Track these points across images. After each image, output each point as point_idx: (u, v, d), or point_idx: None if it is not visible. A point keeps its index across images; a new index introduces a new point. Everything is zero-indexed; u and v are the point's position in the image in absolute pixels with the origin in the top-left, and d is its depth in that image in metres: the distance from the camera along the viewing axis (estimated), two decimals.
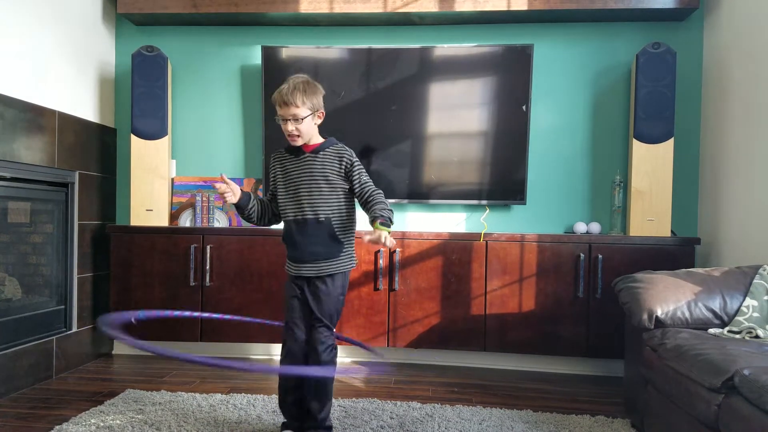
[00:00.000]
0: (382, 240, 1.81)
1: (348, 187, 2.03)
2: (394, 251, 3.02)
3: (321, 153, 2.02)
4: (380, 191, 2.00)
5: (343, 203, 2.03)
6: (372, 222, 1.90)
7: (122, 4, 3.27)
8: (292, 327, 2.05)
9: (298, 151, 2.04)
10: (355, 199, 2.07)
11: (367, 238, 1.83)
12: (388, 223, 1.89)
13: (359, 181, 2.00)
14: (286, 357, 2.06)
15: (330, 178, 2.00)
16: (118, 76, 3.52)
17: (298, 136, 1.97)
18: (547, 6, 3.10)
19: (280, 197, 2.08)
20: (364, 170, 2.03)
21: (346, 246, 2.05)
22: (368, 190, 1.99)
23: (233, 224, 3.41)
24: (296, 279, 2.05)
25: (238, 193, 2.04)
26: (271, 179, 2.12)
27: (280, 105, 1.95)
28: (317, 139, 2.05)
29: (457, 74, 3.25)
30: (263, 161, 3.32)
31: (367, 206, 1.98)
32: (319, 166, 2.01)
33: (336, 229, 2.01)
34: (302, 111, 1.94)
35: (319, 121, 2.04)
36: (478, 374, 3.05)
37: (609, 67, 3.29)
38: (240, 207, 2.08)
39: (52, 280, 3.01)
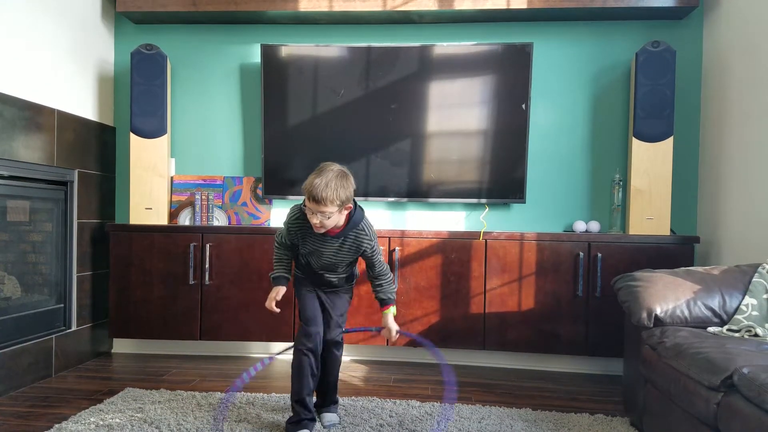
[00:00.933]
0: (391, 330, 2.16)
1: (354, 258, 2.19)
2: (393, 250, 3.02)
3: (343, 238, 2.08)
4: (389, 270, 2.21)
5: (355, 263, 2.24)
6: (381, 304, 2.20)
7: (121, 3, 3.27)
8: (315, 321, 2.17)
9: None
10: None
11: (385, 333, 2.19)
12: (393, 302, 2.19)
13: (374, 264, 2.16)
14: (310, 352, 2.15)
15: (348, 258, 2.14)
16: (117, 74, 3.52)
17: (323, 228, 2.00)
18: (547, 4, 3.09)
19: (301, 248, 2.17)
20: (379, 252, 2.17)
21: (352, 276, 2.29)
22: (380, 271, 2.17)
23: (232, 223, 3.41)
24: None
25: (283, 292, 2.18)
26: (292, 234, 2.14)
27: (310, 199, 1.94)
28: (342, 222, 2.05)
29: (457, 73, 3.25)
30: (262, 160, 3.31)
31: (376, 282, 2.19)
32: (338, 249, 2.10)
33: (349, 276, 2.26)
34: (331, 209, 1.94)
35: (346, 213, 2.03)
36: (478, 373, 3.05)
37: (608, 66, 3.29)
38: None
39: (51, 278, 3.01)
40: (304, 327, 2.13)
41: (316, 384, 2.18)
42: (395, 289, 2.23)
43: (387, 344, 3.05)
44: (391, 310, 2.17)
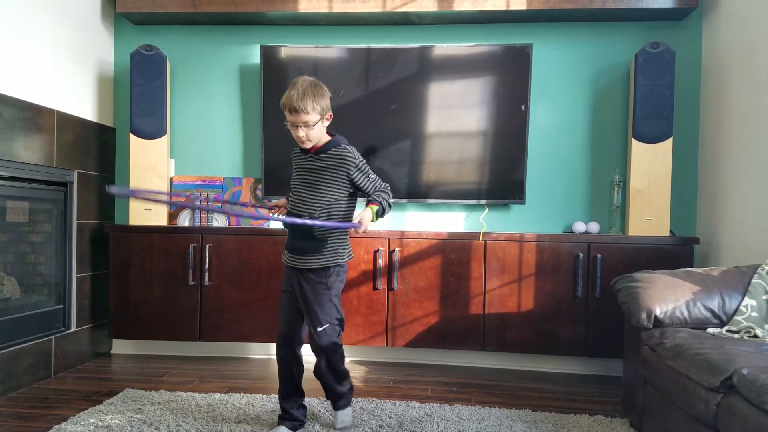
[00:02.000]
0: (360, 218, 1.98)
1: (348, 189, 2.09)
2: (393, 250, 3.02)
3: (323, 155, 2.05)
4: (387, 185, 2.11)
5: (334, 205, 2.06)
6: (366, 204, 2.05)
7: (121, 3, 3.27)
8: (283, 324, 2.14)
9: (306, 150, 2.10)
10: (355, 204, 2.17)
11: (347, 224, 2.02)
12: (379, 209, 2.03)
13: (366, 183, 2.07)
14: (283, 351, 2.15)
15: (328, 179, 2.05)
16: (117, 75, 3.52)
17: (308, 140, 2.01)
18: (546, 5, 3.10)
19: (292, 184, 2.15)
20: (368, 169, 2.08)
21: (329, 243, 2.07)
22: (376, 187, 2.09)
23: (232, 224, 3.41)
24: (290, 270, 2.13)
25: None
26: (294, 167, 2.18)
27: (290, 111, 1.97)
28: (324, 139, 2.08)
29: (456, 74, 3.25)
30: (262, 160, 3.32)
31: (369, 197, 2.09)
32: (318, 168, 2.06)
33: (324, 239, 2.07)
34: (312, 117, 1.96)
35: (327, 123, 2.07)
36: (477, 374, 3.05)
37: (608, 67, 3.29)
38: None
39: (50, 279, 3.00)
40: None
41: (298, 384, 2.17)
42: (389, 201, 2.08)
43: (387, 345, 3.05)
44: (373, 208, 2.03)
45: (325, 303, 2.06)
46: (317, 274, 2.07)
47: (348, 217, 2.11)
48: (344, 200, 2.09)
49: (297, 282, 2.09)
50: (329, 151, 2.05)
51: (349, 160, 2.04)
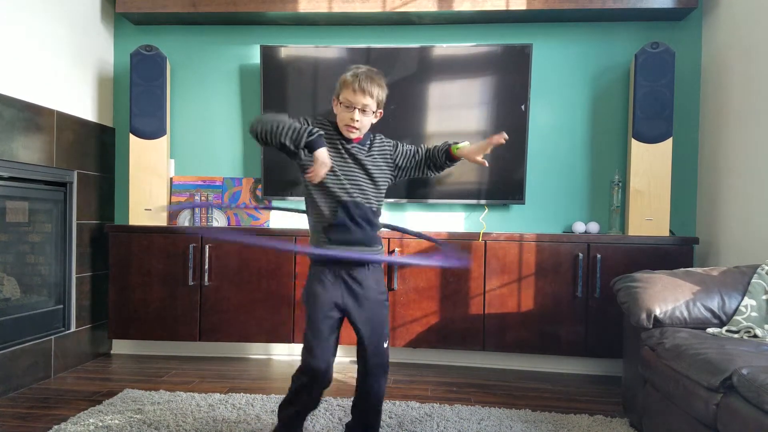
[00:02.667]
0: (477, 145, 1.82)
1: (388, 181, 1.94)
2: (393, 251, 3.02)
3: (367, 144, 1.89)
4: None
5: (381, 195, 1.93)
6: (450, 148, 1.87)
7: (121, 3, 3.27)
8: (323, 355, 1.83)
9: (347, 139, 1.86)
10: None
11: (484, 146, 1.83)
12: (454, 143, 1.87)
13: (409, 151, 1.93)
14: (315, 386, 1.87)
15: (381, 169, 1.90)
16: (117, 75, 3.52)
17: (358, 129, 1.82)
18: (546, 6, 3.10)
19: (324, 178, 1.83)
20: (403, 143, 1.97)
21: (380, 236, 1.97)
22: (421, 147, 1.95)
23: (232, 224, 3.41)
24: (334, 282, 1.84)
25: (329, 162, 1.77)
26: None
27: (355, 90, 1.78)
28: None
29: (456, 74, 3.25)
30: (262, 161, 3.32)
31: (428, 151, 1.93)
32: (370, 159, 1.88)
33: (377, 218, 1.92)
34: (373, 104, 1.81)
35: (375, 121, 1.89)
36: (477, 374, 3.05)
37: (608, 67, 3.29)
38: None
39: (50, 279, 3.00)
40: (306, 358, 1.82)
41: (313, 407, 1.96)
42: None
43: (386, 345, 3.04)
44: (455, 146, 1.86)
45: (387, 313, 1.91)
46: (376, 277, 1.87)
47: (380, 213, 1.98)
48: (383, 196, 1.96)
49: (348, 294, 1.83)
50: (371, 139, 1.91)
51: (387, 143, 1.93)
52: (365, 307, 1.85)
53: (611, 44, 3.28)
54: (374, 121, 1.88)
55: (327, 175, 1.79)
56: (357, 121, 1.80)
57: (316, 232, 1.89)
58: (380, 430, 2.19)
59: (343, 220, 1.82)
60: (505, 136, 1.81)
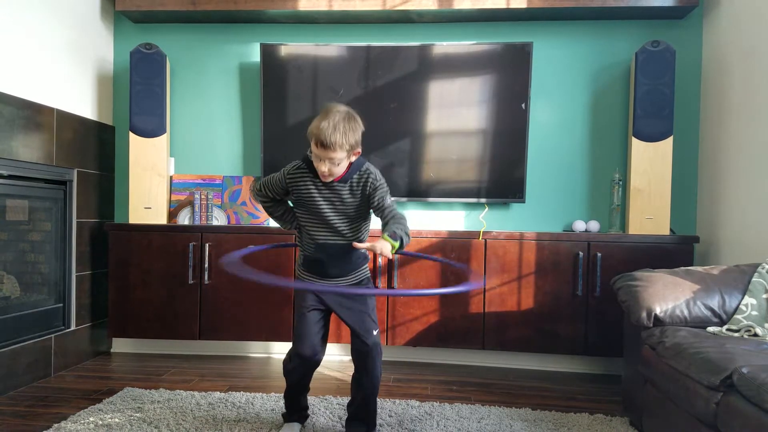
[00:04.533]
0: (378, 250, 1.74)
1: (367, 209, 1.99)
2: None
3: (349, 182, 1.92)
4: (404, 216, 1.91)
5: (363, 227, 2.01)
6: (383, 233, 1.82)
7: (120, 2, 3.26)
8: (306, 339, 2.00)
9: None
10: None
11: (364, 246, 1.82)
12: (399, 241, 1.78)
13: (384, 204, 1.91)
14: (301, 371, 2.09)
15: (357, 205, 1.94)
16: (117, 73, 3.51)
17: (330, 176, 1.86)
18: (546, 4, 3.09)
19: (302, 215, 2.00)
20: (387, 193, 1.94)
21: (363, 258, 2.06)
22: (391, 213, 1.90)
23: (232, 222, 3.40)
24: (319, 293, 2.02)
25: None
26: (289, 181, 1.98)
27: (317, 145, 1.81)
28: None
29: (456, 72, 3.25)
30: (262, 159, 3.31)
31: (386, 223, 1.89)
32: (347, 194, 1.92)
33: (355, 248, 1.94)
34: (340, 154, 1.80)
35: (354, 159, 1.91)
36: (477, 372, 3.05)
37: (608, 65, 3.29)
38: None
39: (50, 278, 3.00)
40: (295, 344, 2.01)
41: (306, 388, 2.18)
42: (406, 236, 1.82)
43: (386, 343, 3.05)
44: (394, 244, 1.77)
45: (372, 304, 2.04)
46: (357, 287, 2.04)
47: (367, 229, 2.05)
48: (368, 219, 2.03)
49: (330, 300, 2.00)
50: (353, 176, 1.92)
51: (370, 180, 1.92)
52: (345, 305, 2.01)
53: (612, 42, 3.28)
54: (353, 159, 1.90)
55: (304, 215, 1.96)
56: (324, 171, 1.84)
57: (300, 260, 2.07)
58: (380, 429, 2.19)
59: (318, 257, 1.97)
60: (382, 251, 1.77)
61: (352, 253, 1.97)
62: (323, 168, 1.83)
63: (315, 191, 1.94)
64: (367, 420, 2.09)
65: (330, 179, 1.88)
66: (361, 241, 1.98)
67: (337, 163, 1.83)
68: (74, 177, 3.09)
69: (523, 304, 2.99)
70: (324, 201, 1.93)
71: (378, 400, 2.51)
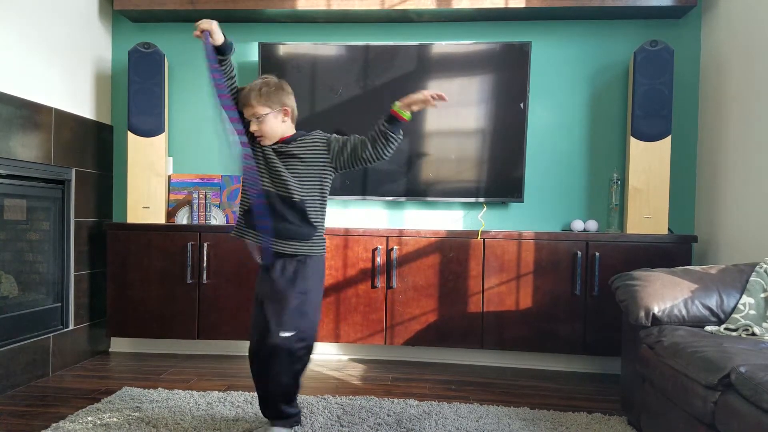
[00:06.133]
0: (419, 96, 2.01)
1: (326, 176, 2.03)
2: (392, 249, 3.02)
3: (293, 143, 2.03)
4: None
5: (316, 189, 2.02)
6: (391, 110, 2.05)
7: (119, 1, 3.25)
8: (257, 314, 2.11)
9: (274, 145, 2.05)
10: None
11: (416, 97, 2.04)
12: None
13: (345, 140, 2.03)
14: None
15: (306, 161, 2.01)
16: (115, 72, 3.51)
17: (261, 135, 2.00)
18: (545, 3, 3.09)
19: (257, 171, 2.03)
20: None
21: (318, 231, 2.04)
22: (355, 136, 2.05)
23: (230, 222, 3.40)
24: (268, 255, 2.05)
25: (221, 38, 1.99)
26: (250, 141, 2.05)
27: (243, 106, 2.00)
28: (290, 132, 2.06)
29: (455, 72, 3.25)
30: None
31: (369, 134, 2.04)
32: (295, 150, 2.01)
33: (309, 213, 2.00)
34: (262, 110, 1.97)
35: (287, 119, 2.04)
36: (476, 372, 3.06)
37: (607, 65, 3.29)
38: (221, 50, 2.00)
39: (48, 277, 3.00)
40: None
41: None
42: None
43: (385, 343, 3.05)
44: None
45: (299, 306, 2.05)
46: (295, 270, 2.02)
47: (323, 208, 2.05)
48: (318, 190, 2.02)
49: (262, 279, 2.07)
50: (302, 137, 2.04)
51: (322, 138, 2.04)
52: (270, 293, 2.06)
53: (610, 42, 3.28)
54: (284, 119, 2.02)
55: (251, 166, 2.00)
56: (256, 129, 1.99)
57: (240, 213, 2.08)
58: (378, 428, 2.19)
59: (260, 207, 1.98)
60: (444, 98, 2.04)
61: (300, 212, 1.98)
62: (254, 127, 1.99)
63: (266, 147, 2.03)
64: (283, 416, 2.10)
65: (266, 142, 2.00)
66: (315, 222, 2.01)
67: (261, 120, 1.97)
68: (72, 176, 3.08)
69: (521, 304, 2.99)
70: (274, 153, 2.01)
71: (377, 399, 2.51)
